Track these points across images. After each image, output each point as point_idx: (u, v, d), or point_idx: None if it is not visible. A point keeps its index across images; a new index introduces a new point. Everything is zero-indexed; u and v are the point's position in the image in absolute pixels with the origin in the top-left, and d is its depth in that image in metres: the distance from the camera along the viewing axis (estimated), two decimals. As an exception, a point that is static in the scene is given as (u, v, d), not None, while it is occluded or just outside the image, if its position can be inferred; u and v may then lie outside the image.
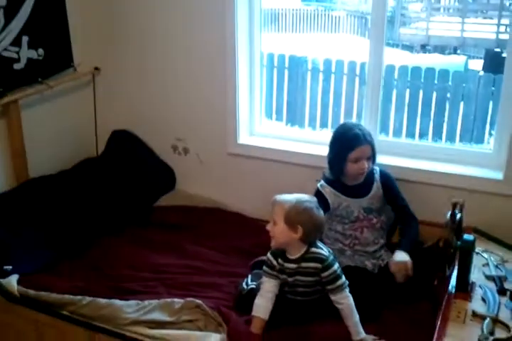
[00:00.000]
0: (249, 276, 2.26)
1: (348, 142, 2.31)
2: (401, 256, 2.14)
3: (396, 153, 2.63)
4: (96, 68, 3.00)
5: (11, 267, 2.25)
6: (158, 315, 2.04)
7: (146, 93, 3.00)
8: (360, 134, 2.30)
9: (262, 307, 2.00)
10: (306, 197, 2.05)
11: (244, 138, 2.88)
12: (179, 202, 2.91)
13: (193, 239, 2.63)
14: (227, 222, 2.78)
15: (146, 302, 2.09)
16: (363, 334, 1.91)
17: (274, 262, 2.05)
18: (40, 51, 2.68)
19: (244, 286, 2.19)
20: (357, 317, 1.94)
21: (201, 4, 2.72)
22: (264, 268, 2.07)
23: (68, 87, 2.89)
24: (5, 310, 2.20)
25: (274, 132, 2.93)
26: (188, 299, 2.07)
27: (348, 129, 2.35)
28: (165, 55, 2.89)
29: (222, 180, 2.94)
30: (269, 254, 2.08)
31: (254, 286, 2.16)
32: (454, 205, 1.87)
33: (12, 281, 2.19)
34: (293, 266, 2.02)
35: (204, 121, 2.90)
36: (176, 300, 2.08)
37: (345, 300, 1.95)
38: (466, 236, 1.90)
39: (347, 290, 1.99)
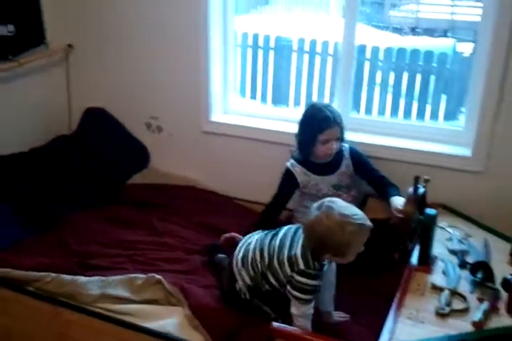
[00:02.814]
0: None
1: (318, 124, 2.29)
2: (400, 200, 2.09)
3: (370, 130, 2.62)
4: (69, 45, 2.98)
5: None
6: (120, 292, 2.04)
7: (120, 71, 2.97)
8: (330, 116, 2.29)
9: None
10: None
11: (217, 116, 2.86)
12: (152, 180, 2.90)
13: (163, 216, 2.62)
14: (199, 199, 2.77)
15: (110, 278, 2.09)
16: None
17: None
18: (11, 27, 2.64)
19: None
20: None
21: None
22: (306, 297, 1.82)
23: (41, 64, 2.86)
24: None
25: (248, 110, 2.91)
26: (150, 275, 2.07)
27: (317, 111, 2.32)
28: (137, 33, 2.86)
29: (195, 158, 2.93)
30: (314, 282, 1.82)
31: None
32: (416, 179, 1.86)
33: (-22, 258, 2.19)
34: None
35: (177, 99, 2.88)
36: (138, 275, 2.08)
37: None
38: (428, 211, 1.89)
39: None
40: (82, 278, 2.09)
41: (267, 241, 1.94)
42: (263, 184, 2.62)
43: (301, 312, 1.80)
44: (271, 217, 2.41)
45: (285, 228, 1.97)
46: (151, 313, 1.97)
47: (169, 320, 1.91)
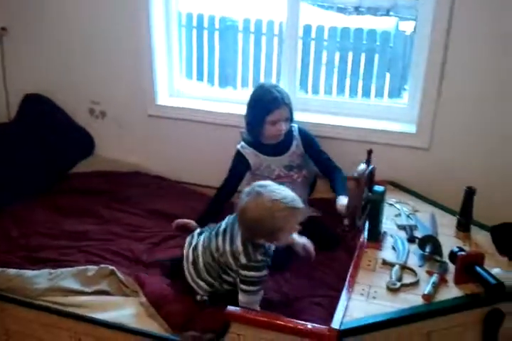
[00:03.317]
0: None
1: (265, 105, 2.28)
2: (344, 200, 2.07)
3: (317, 110, 2.63)
4: (3, 28, 2.84)
5: None
6: (71, 284, 1.98)
7: (59, 54, 2.85)
8: (278, 97, 2.27)
9: None
10: None
11: (163, 99, 2.79)
12: (98, 168, 2.82)
13: (111, 204, 2.56)
14: (147, 185, 2.72)
15: (59, 270, 2.03)
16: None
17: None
18: None
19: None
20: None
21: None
22: (254, 288, 1.79)
23: (-28, 49, 2.72)
24: None
25: (195, 92, 2.86)
26: (102, 266, 2.02)
27: (265, 92, 2.30)
28: (75, 15, 2.74)
29: (142, 143, 2.86)
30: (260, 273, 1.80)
31: None
32: (369, 153, 1.86)
33: None
34: None
35: (121, 83, 2.79)
36: (89, 267, 2.03)
37: None
38: (376, 188, 1.92)
39: None
40: (28, 272, 2.02)
41: (213, 240, 1.87)
42: (213, 167, 2.59)
43: (249, 300, 1.79)
44: (222, 200, 2.38)
45: (225, 220, 1.91)
46: (104, 304, 1.92)
47: (123, 310, 1.87)
